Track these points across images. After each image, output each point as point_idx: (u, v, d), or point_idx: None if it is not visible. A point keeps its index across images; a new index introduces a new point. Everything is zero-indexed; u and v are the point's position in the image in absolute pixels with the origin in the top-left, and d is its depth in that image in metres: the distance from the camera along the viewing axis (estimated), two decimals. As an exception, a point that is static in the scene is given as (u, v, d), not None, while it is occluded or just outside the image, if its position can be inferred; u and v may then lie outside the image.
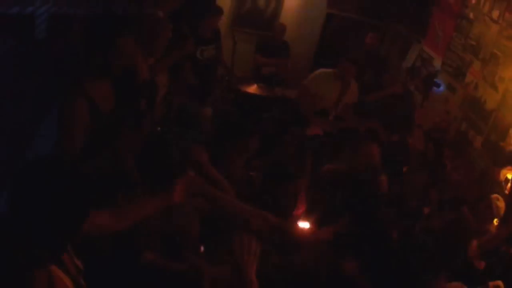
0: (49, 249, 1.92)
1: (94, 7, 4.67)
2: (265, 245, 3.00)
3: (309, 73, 6.64)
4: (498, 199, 4.49)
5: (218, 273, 3.10)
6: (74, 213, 1.90)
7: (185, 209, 3.27)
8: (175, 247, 3.20)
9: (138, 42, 3.62)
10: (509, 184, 4.96)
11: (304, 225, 4.04)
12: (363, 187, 4.41)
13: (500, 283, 3.91)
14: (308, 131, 5.73)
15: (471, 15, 6.42)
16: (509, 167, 5.06)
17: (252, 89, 6.90)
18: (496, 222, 4.49)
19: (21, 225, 1.85)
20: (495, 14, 5.94)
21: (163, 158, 3.23)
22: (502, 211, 4.40)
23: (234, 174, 4.03)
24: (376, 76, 7.45)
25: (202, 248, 3.42)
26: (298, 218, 4.36)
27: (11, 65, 3.51)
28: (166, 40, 4.41)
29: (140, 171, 3.19)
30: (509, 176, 5.17)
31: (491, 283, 3.89)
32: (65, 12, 4.22)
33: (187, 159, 3.47)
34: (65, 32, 4.19)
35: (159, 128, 4.09)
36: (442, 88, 6.76)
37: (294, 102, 6.39)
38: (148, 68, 4.16)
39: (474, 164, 5.11)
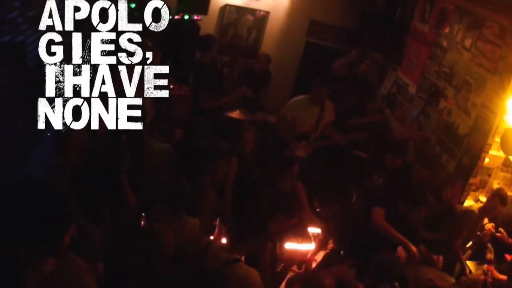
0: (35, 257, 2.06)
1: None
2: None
3: (289, 99, 6.83)
4: None
5: None
6: (55, 227, 2.08)
7: None
8: None
9: None
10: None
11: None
12: None
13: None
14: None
15: (445, 44, 6.65)
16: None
17: (235, 114, 6.99)
18: None
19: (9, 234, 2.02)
20: (467, 42, 6.16)
21: None
22: None
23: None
24: (361, 101, 7.55)
25: None
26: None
27: (3, 92, 3.57)
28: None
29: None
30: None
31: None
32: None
33: None
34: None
35: None
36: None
37: (274, 128, 6.57)
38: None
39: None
